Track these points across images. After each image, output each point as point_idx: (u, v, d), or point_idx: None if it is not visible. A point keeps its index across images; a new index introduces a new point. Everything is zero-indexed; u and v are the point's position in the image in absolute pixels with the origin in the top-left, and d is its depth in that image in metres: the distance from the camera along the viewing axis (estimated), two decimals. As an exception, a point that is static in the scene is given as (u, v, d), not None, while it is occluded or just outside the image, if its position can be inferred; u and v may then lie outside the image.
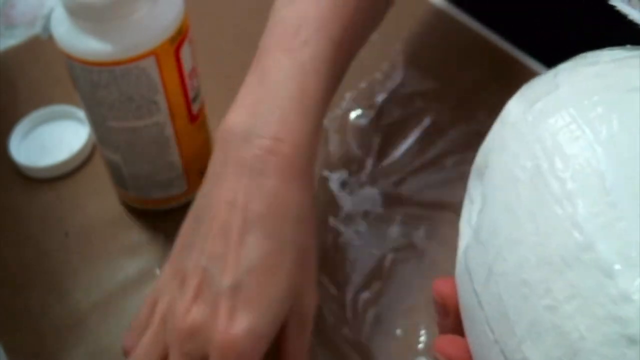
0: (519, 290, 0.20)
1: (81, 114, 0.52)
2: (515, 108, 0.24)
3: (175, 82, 0.42)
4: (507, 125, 0.23)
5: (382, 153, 0.51)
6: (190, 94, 0.44)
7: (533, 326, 0.19)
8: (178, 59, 0.41)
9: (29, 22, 0.63)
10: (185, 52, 0.42)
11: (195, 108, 0.45)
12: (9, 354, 0.43)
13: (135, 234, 0.48)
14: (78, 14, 0.39)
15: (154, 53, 0.40)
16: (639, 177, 0.18)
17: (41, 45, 0.60)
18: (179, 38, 0.41)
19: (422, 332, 0.42)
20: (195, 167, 0.47)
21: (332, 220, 0.48)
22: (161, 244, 0.48)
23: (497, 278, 0.21)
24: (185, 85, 0.43)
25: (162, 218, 0.48)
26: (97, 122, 0.43)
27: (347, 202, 0.49)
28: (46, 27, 0.61)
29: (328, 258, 0.46)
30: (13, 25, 0.63)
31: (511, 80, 0.55)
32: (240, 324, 0.33)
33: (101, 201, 0.50)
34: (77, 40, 0.39)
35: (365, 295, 0.44)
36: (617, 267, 0.17)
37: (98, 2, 0.38)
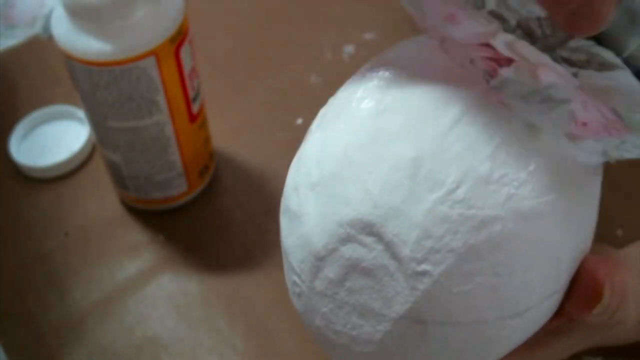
0: None
1: (81, 114, 0.52)
2: None
3: (176, 82, 0.42)
4: None
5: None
6: (191, 94, 0.44)
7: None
8: (178, 59, 0.41)
9: (29, 22, 0.63)
10: (185, 52, 0.42)
11: (195, 108, 0.45)
12: (8, 354, 0.43)
13: (135, 234, 0.48)
14: (78, 14, 0.39)
15: (154, 53, 0.40)
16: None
17: (41, 45, 0.60)
18: (179, 38, 0.41)
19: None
20: (196, 167, 0.47)
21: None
22: (161, 244, 0.48)
23: None
24: (185, 85, 0.43)
25: (163, 218, 0.49)
26: (97, 122, 0.43)
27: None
28: (46, 27, 0.61)
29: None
30: (13, 25, 0.63)
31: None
32: None
33: (101, 201, 0.50)
34: (77, 40, 0.39)
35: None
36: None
37: (98, 2, 0.38)
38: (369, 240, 0.24)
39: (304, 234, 0.25)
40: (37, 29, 0.62)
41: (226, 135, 0.52)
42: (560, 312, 0.27)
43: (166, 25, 0.40)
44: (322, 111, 0.28)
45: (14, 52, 0.60)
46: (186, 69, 0.42)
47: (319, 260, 0.25)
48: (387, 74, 0.26)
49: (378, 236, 0.23)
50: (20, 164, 0.51)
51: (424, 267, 0.23)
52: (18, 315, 0.45)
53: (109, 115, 0.42)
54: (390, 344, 0.24)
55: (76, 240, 0.48)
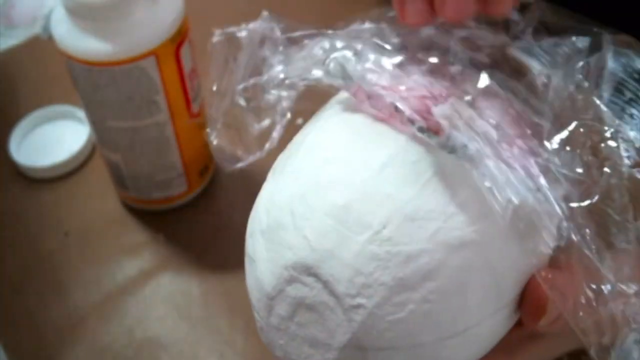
0: None
1: (81, 113, 0.52)
2: None
3: (176, 82, 0.42)
4: None
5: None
6: (190, 94, 0.44)
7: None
8: (178, 59, 0.41)
9: (29, 22, 0.63)
10: (185, 53, 0.42)
11: (195, 108, 0.45)
12: (8, 353, 0.43)
13: (135, 233, 0.48)
14: (78, 13, 0.39)
15: (154, 53, 0.40)
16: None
17: (41, 45, 0.60)
18: (179, 38, 0.41)
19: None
20: (195, 167, 0.47)
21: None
22: (161, 244, 0.48)
23: None
24: (185, 85, 0.43)
25: (163, 218, 0.49)
26: (97, 122, 0.43)
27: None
28: (46, 27, 0.61)
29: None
30: (13, 26, 0.63)
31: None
32: None
33: (101, 201, 0.50)
34: (77, 40, 0.39)
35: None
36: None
37: (98, 2, 0.38)
38: (309, 280, 0.26)
39: (258, 276, 0.28)
40: (37, 29, 0.62)
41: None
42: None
43: (166, 25, 0.40)
44: (276, 162, 0.31)
45: (14, 52, 0.60)
46: (186, 69, 0.42)
47: (270, 299, 0.27)
48: (326, 126, 0.29)
49: (316, 276, 0.26)
50: (20, 164, 0.51)
51: (358, 300, 0.25)
52: (18, 314, 0.45)
53: (109, 115, 0.42)
54: None
55: (76, 240, 0.48)
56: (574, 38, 0.29)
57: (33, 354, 0.43)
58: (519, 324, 0.28)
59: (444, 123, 0.26)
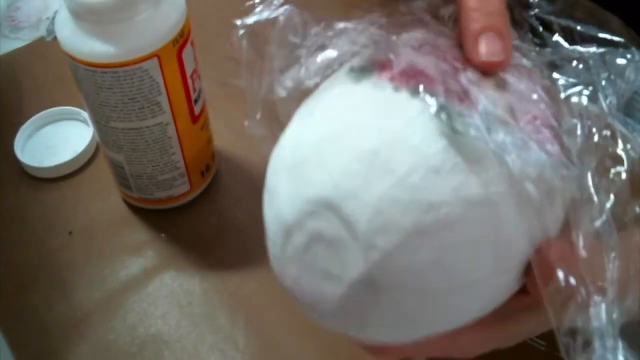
0: None
1: (85, 115, 0.53)
2: None
3: (178, 83, 0.43)
4: None
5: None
6: (192, 95, 0.44)
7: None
8: (180, 61, 0.42)
9: (34, 24, 0.64)
10: (187, 54, 0.42)
11: (197, 109, 0.45)
12: (14, 350, 0.43)
13: (138, 232, 0.49)
14: (82, 16, 0.39)
15: (156, 55, 0.40)
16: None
17: (46, 47, 0.61)
18: (182, 40, 0.41)
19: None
20: (197, 167, 0.48)
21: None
22: (164, 243, 0.48)
23: None
24: (187, 86, 0.43)
25: (165, 217, 0.49)
26: (100, 123, 0.44)
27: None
28: (50, 30, 0.62)
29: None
30: (18, 28, 0.64)
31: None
32: None
33: (105, 200, 0.50)
34: (80, 42, 0.40)
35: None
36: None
37: (101, 4, 0.38)
38: (330, 216, 0.27)
39: (278, 208, 0.29)
40: (41, 32, 0.62)
41: (228, 135, 0.53)
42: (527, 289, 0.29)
43: (168, 27, 0.40)
44: (302, 105, 0.31)
45: (19, 54, 0.61)
46: (188, 71, 0.43)
47: (288, 230, 0.28)
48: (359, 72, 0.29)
49: (337, 213, 0.26)
50: (25, 164, 0.52)
51: (375, 240, 0.26)
52: (23, 312, 0.45)
53: (112, 116, 0.43)
54: (347, 304, 0.27)
55: (80, 238, 0.49)
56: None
57: (38, 351, 0.44)
58: (516, 294, 0.29)
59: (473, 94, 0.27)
